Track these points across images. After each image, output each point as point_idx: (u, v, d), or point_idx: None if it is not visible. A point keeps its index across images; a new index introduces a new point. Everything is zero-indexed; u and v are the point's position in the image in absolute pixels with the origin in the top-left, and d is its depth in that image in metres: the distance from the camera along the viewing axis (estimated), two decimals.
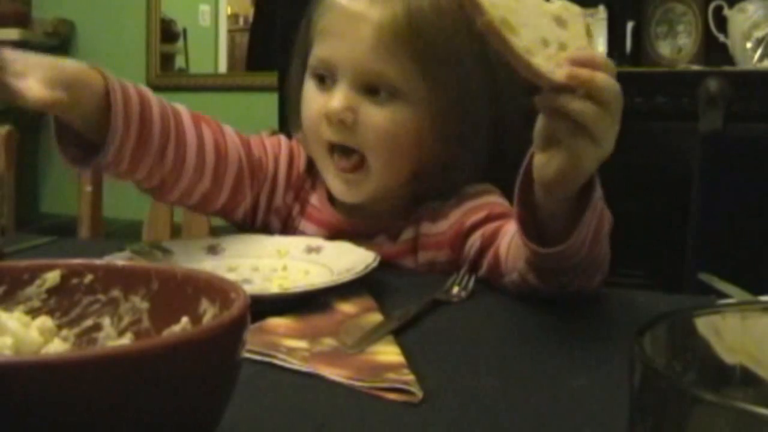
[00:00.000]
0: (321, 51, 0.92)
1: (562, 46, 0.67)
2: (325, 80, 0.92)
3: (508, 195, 0.97)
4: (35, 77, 0.78)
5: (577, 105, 0.65)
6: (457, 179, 0.95)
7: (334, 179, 0.94)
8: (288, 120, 1.02)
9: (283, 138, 1.04)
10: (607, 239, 0.78)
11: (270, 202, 1.00)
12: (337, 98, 0.90)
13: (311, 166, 1.01)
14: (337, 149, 0.92)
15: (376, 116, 0.90)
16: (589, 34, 0.70)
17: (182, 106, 0.95)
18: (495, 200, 0.95)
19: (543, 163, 0.70)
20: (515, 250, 0.79)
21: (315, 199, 1.01)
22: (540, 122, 0.69)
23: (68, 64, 0.83)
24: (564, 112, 0.66)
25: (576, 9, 0.71)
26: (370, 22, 0.88)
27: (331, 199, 0.99)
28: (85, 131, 0.86)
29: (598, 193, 0.72)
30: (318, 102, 0.93)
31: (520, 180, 0.74)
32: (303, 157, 1.01)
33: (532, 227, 0.75)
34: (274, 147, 1.01)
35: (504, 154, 0.95)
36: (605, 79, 0.66)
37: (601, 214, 0.75)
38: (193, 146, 0.92)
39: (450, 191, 0.96)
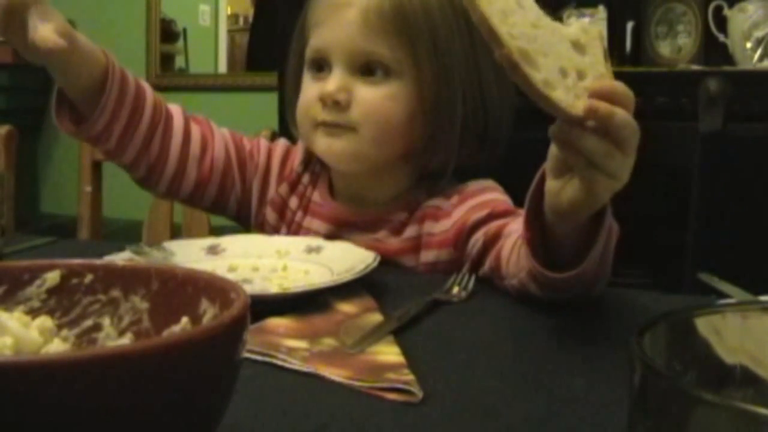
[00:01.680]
0: (315, 42, 0.96)
1: (581, 74, 0.65)
2: (321, 69, 0.95)
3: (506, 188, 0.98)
4: (51, 24, 0.80)
5: (587, 143, 0.64)
6: (444, 160, 0.95)
7: (320, 138, 0.95)
8: (287, 120, 1.04)
9: (282, 139, 1.08)
10: (612, 251, 0.77)
11: (263, 193, 1.04)
12: (333, 81, 0.93)
13: (308, 163, 1.04)
14: (328, 125, 0.94)
15: (371, 94, 0.92)
16: (606, 58, 0.68)
17: (177, 107, 1.00)
18: (497, 197, 0.95)
19: (556, 190, 0.69)
20: (517, 257, 0.79)
21: (317, 196, 1.03)
22: (554, 148, 0.69)
23: (79, 34, 0.86)
24: (576, 147, 0.65)
25: (594, 32, 0.69)
26: (356, 6, 0.92)
27: (333, 193, 1.02)
28: (79, 102, 0.90)
29: (609, 213, 0.71)
30: (314, 89, 0.95)
31: (528, 201, 0.74)
32: (299, 155, 1.05)
33: (540, 247, 0.74)
34: (270, 144, 1.06)
35: (487, 136, 0.96)
36: (623, 117, 0.64)
37: (610, 230, 0.73)
38: (178, 138, 0.98)
39: (441, 174, 0.96)
